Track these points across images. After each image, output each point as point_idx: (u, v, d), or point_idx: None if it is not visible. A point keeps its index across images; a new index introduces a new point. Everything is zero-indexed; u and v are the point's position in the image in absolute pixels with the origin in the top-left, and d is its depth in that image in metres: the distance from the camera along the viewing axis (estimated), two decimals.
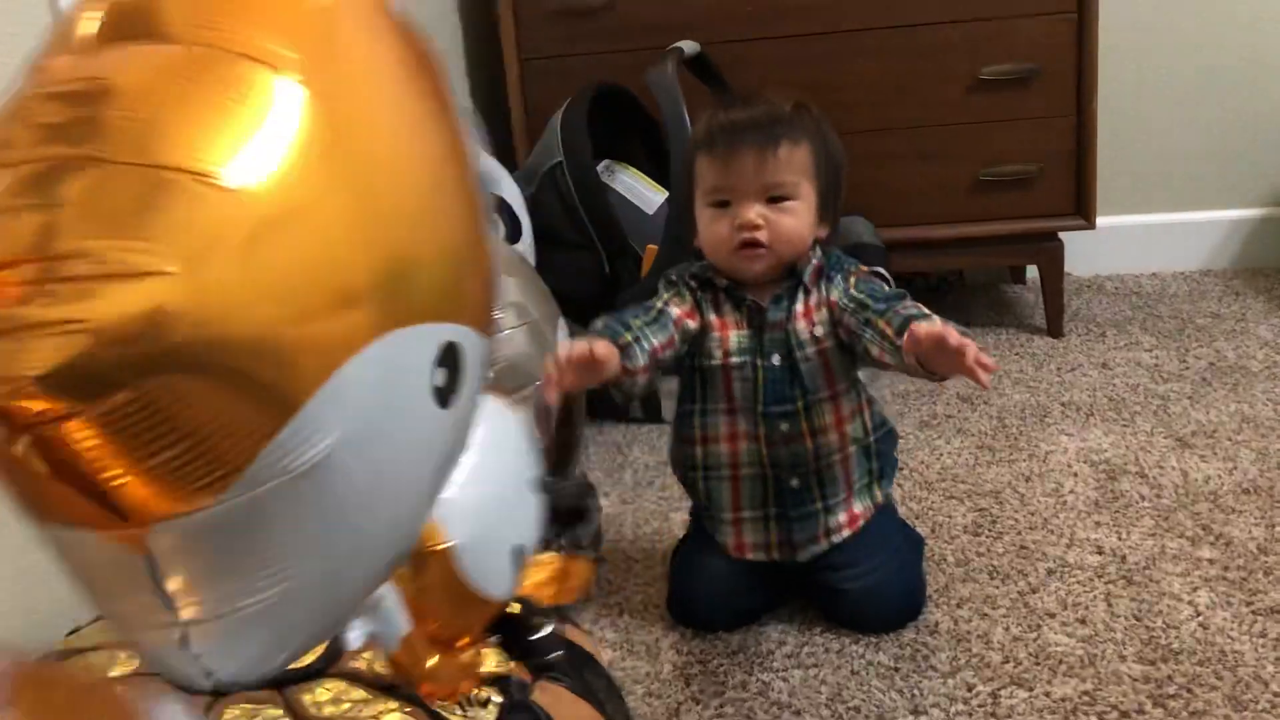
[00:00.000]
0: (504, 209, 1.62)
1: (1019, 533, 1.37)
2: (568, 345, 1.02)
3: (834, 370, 1.16)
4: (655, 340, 1.11)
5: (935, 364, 0.98)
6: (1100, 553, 1.31)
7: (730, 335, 1.16)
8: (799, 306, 1.16)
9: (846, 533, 1.19)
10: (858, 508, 1.20)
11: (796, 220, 1.13)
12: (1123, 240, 2.39)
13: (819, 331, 1.15)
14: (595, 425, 1.84)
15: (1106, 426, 1.65)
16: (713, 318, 1.17)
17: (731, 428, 1.18)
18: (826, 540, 1.19)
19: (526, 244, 1.67)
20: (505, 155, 2.02)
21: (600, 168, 1.91)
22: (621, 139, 2.03)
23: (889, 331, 1.05)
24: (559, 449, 1.25)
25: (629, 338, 1.08)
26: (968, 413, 1.74)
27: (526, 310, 1.19)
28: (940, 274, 2.45)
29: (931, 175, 2.03)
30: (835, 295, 1.15)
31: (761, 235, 1.12)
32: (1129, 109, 2.33)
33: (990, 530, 1.38)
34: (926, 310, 1.06)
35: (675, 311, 1.16)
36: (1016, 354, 2.00)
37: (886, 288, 1.14)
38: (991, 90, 1.98)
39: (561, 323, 1.26)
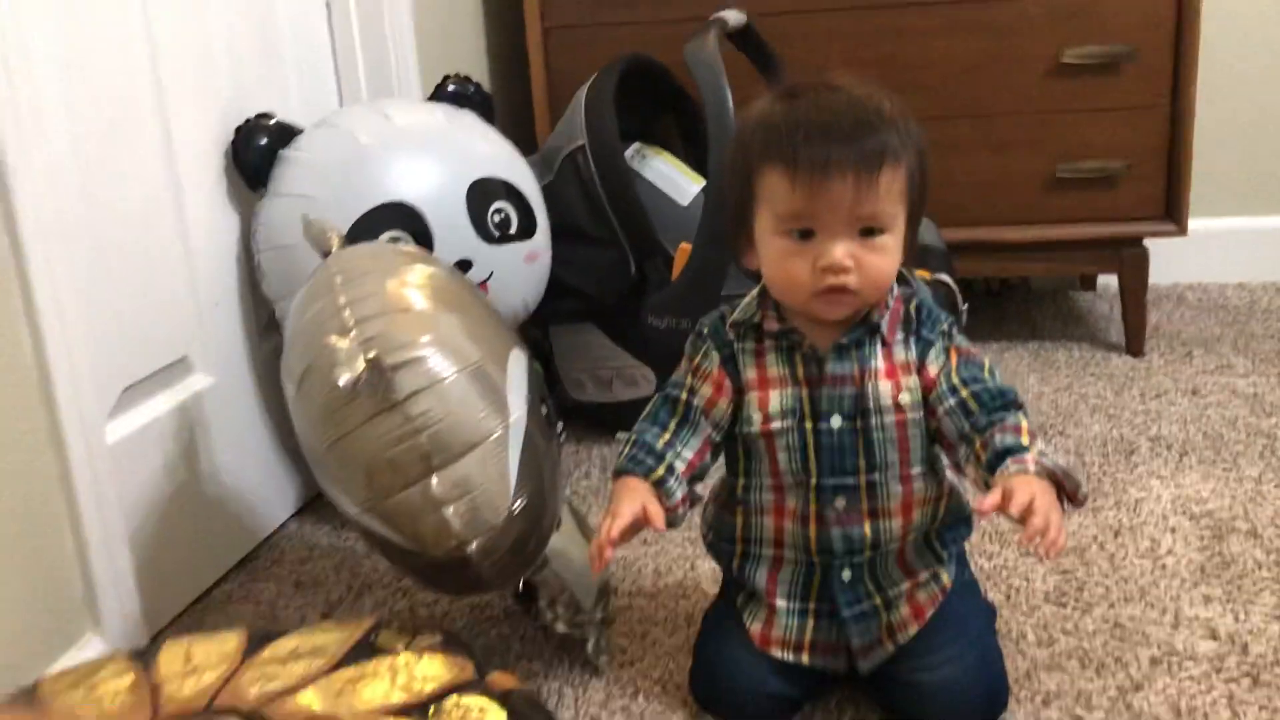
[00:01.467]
0: (517, 198, 1.41)
1: (1112, 605, 1.15)
2: (608, 524, 0.89)
3: (911, 446, 0.95)
4: (689, 453, 0.97)
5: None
6: (1214, 638, 1.09)
7: (771, 396, 0.95)
8: (878, 362, 0.94)
9: (914, 629, 0.98)
10: (922, 597, 0.98)
11: (889, 260, 0.91)
12: (1206, 245, 2.15)
13: (905, 399, 0.94)
14: (610, 441, 1.63)
15: (1205, 469, 1.43)
16: (751, 375, 0.96)
17: (779, 503, 0.97)
18: (891, 643, 0.98)
19: (543, 238, 1.46)
20: (524, 135, 1.81)
21: (629, 152, 1.69)
22: (654, 120, 1.81)
23: (983, 458, 0.89)
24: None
25: (660, 471, 0.94)
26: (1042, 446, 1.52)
27: (463, 351, 0.98)
28: (1001, 280, 2.22)
29: (1003, 169, 1.80)
30: (933, 369, 0.94)
31: (851, 280, 0.90)
32: (1221, 101, 2.09)
33: (1077, 600, 1.16)
34: (1024, 432, 0.89)
35: (704, 396, 0.97)
36: (1093, 375, 1.77)
37: (989, 379, 0.93)
38: (1074, 75, 1.75)
39: (515, 353, 1.04)
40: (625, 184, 1.53)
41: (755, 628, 1.00)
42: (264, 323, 1.41)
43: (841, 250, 0.89)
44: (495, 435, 0.97)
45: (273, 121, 1.35)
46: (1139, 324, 1.84)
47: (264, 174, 1.33)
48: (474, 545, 0.95)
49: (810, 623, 0.99)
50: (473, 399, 0.96)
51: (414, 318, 0.98)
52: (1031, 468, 0.85)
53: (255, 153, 1.33)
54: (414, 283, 1.02)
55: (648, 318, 1.53)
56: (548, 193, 1.50)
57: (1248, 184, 2.16)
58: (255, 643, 0.85)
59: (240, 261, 1.37)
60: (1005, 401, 0.91)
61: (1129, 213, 1.79)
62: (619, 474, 0.95)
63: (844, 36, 1.77)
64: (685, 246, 1.50)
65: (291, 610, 1.25)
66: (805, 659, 0.99)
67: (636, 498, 0.91)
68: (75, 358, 1.07)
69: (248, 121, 1.34)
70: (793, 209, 0.90)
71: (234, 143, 1.33)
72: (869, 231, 0.90)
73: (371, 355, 0.93)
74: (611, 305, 1.58)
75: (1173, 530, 1.29)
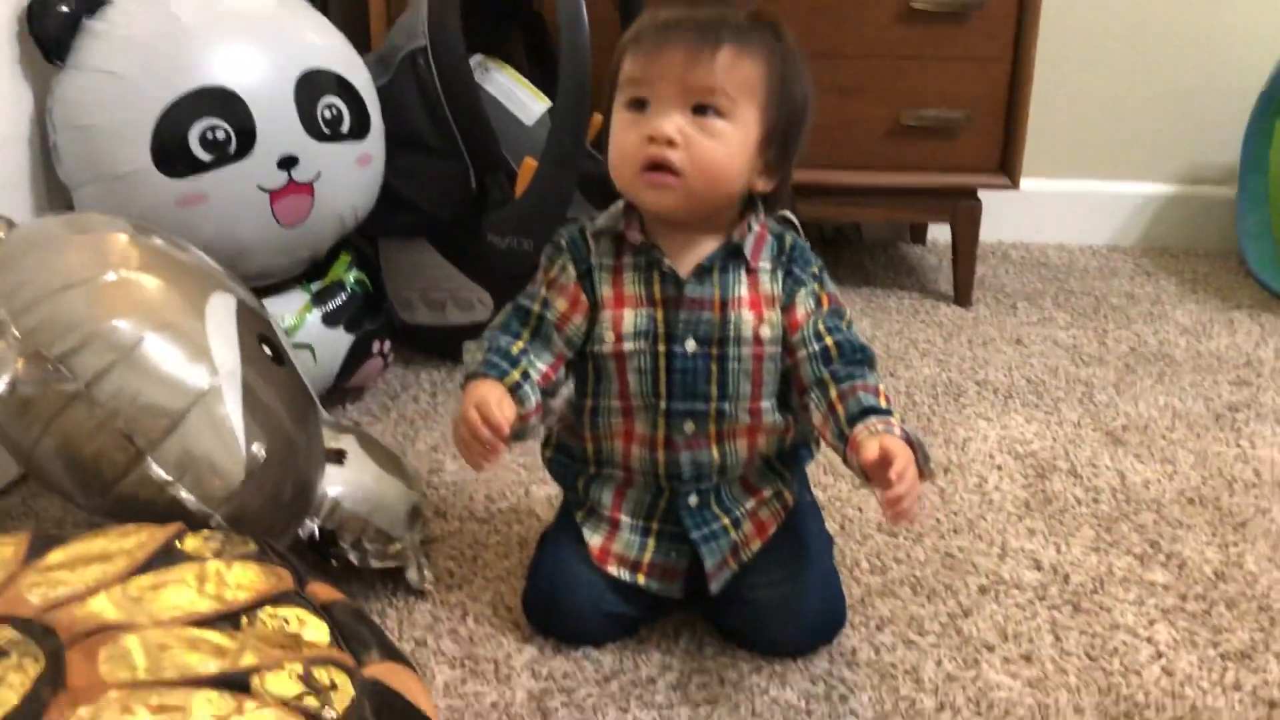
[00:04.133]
0: (350, 94, 1.31)
1: (942, 535, 1.16)
2: (479, 411, 0.84)
3: (765, 380, 0.93)
4: (541, 363, 0.92)
5: (871, 479, 0.83)
6: (1038, 568, 1.11)
7: (625, 315, 0.91)
8: (743, 291, 0.91)
9: (756, 545, 0.96)
10: (765, 514, 0.97)
11: (723, 148, 0.87)
12: (1031, 206, 2.21)
13: (766, 333, 0.91)
14: (441, 365, 1.55)
15: (1028, 412, 1.46)
16: (607, 292, 0.92)
17: (627, 427, 0.94)
18: (735, 561, 0.96)
19: (376, 140, 1.36)
20: (359, 34, 1.69)
21: (472, 64, 1.60)
22: (499, 35, 1.72)
23: (840, 413, 0.87)
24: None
25: (515, 375, 0.88)
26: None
27: (149, 314, 0.88)
28: (835, 227, 2.24)
29: (847, 113, 1.79)
30: (801, 311, 0.92)
31: (676, 157, 0.86)
32: (1058, 63, 2.14)
33: (908, 530, 1.16)
34: (882, 396, 0.88)
35: (558, 310, 0.92)
36: (923, 321, 1.80)
37: (848, 331, 0.92)
38: (923, 22, 1.75)
39: (217, 297, 0.94)
40: (469, 90, 1.44)
41: (595, 541, 0.96)
42: (59, 210, 1.28)
43: (669, 123, 0.86)
44: (205, 394, 0.87)
45: None
46: (968, 275, 1.88)
47: (64, 45, 1.19)
48: (219, 515, 0.86)
49: (651, 543, 0.95)
50: (169, 362, 0.87)
51: (82, 293, 0.87)
52: (896, 431, 0.84)
53: (55, 20, 1.19)
54: (80, 254, 0.91)
55: (488, 235, 1.46)
56: (384, 94, 1.41)
57: (1072, 147, 2.23)
58: (38, 547, 0.76)
59: (33, 142, 1.23)
60: (864, 357, 0.91)
61: (965, 164, 1.82)
62: (470, 378, 0.89)
63: None
64: (530, 162, 1.43)
65: (80, 530, 1.13)
66: (640, 579, 0.96)
67: (491, 394, 0.85)
68: None
69: None
70: (630, 76, 0.87)
71: (30, 7, 1.19)
72: (702, 110, 0.86)
73: (29, 350, 0.83)
74: (448, 221, 1.50)
75: (999, 468, 1.31)
